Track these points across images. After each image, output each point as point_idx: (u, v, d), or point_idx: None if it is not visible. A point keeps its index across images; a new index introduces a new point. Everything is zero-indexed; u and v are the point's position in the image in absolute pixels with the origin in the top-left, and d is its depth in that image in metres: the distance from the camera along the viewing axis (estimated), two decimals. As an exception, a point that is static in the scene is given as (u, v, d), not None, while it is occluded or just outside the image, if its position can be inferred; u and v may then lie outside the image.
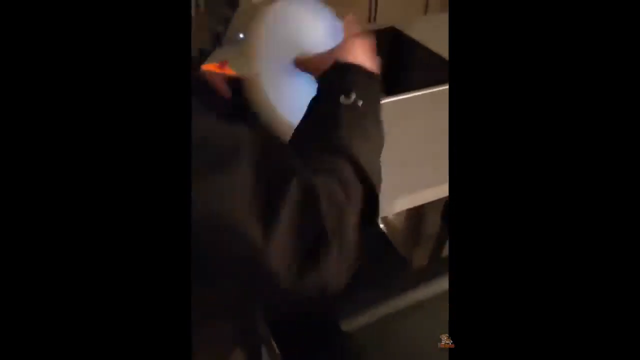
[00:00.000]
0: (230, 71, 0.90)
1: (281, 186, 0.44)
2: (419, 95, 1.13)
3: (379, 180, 0.52)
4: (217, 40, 0.87)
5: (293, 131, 0.57)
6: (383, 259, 1.16)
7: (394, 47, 1.41)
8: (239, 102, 0.84)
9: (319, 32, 0.67)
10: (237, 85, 0.86)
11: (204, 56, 0.87)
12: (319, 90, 0.59)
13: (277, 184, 0.44)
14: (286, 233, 0.43)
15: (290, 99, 0.66)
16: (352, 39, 0.64)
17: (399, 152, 0.92)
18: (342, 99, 0.54)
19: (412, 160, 0.93)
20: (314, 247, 0.44)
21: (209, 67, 1.01)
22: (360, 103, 0.54)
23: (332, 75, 0.59)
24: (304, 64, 0.65)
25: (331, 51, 0.63)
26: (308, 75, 0.66)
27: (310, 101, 0.58)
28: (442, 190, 0.89)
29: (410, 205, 0.90)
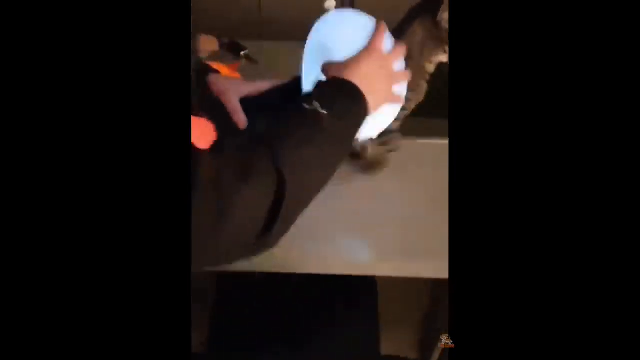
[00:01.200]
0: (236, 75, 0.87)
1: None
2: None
3: (298, 180, 0.56)
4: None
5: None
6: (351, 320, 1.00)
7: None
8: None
9: (349, 44, 0.71)
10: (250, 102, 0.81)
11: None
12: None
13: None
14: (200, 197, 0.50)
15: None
16: (364, 54, 0.68)
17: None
18: (304, 104, 0.60)
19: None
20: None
21: (219, 67, 0.92)
22: (324, 112, 0.59)
23: (318, 84, 0.65)
24: (324, 70, 0.71)
25: (339, 63, 0.68)
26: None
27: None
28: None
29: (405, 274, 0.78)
